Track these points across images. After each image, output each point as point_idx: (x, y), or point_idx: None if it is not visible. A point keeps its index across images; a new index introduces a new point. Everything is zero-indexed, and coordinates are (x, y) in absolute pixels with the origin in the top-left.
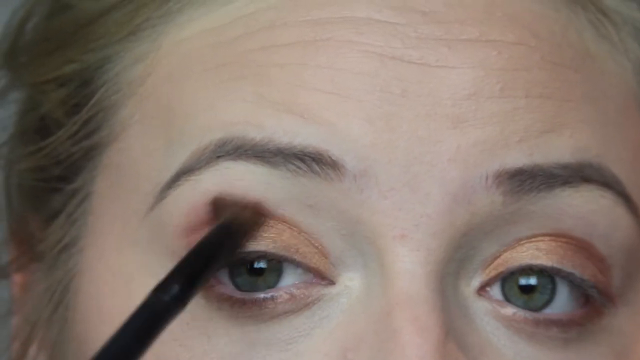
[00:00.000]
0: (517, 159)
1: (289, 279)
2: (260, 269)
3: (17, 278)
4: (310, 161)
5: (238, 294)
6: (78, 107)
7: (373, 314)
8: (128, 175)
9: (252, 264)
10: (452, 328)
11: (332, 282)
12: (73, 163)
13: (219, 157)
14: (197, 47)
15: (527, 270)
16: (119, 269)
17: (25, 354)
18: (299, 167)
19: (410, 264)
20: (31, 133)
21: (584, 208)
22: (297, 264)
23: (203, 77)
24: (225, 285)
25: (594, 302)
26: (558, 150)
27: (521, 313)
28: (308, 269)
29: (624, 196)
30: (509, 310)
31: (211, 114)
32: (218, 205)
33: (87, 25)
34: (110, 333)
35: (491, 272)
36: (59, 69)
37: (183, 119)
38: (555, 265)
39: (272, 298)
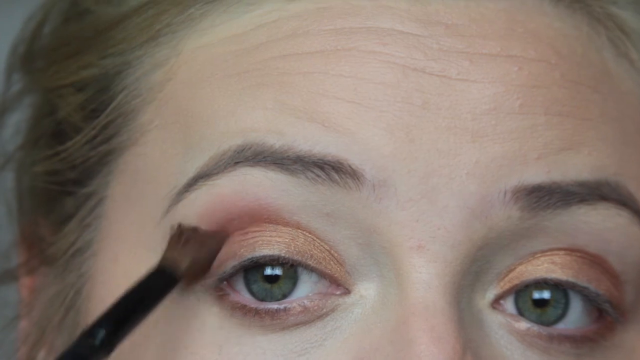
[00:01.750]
0: (536, 175)
1: (305, 287)
2: (276, 276)
3: (26, 281)
4: (329, 169)
5: (252, 303)
6: (96, 112)
7: (388, 323)
8: (146, 180)
9: (266, 270)
10: (468, 340)
11: (347, 291)
12: (88, 167)
13: (237, 162)
14: (219, 53)
15: (541, 283)
16: (134, 273)
17: (34, 358)
18: (318, 175)
19: (426, 275)
20: (47, 137)
21: (600, 225)
22: (311, 269)
23: (224, 83)
24: (239, 293)
25: (607, 317)
26: (576, 168)
27: (535, 328)
28: (323, 275)
29: None
30: (523, 324)
31: (231, 120)
32: (185, 231)
33: (107, 30)
34: None
35: (505, 284)
36: (77, 74)
37: (203, 124)
38: (570, 279)
39: (285, 310)
